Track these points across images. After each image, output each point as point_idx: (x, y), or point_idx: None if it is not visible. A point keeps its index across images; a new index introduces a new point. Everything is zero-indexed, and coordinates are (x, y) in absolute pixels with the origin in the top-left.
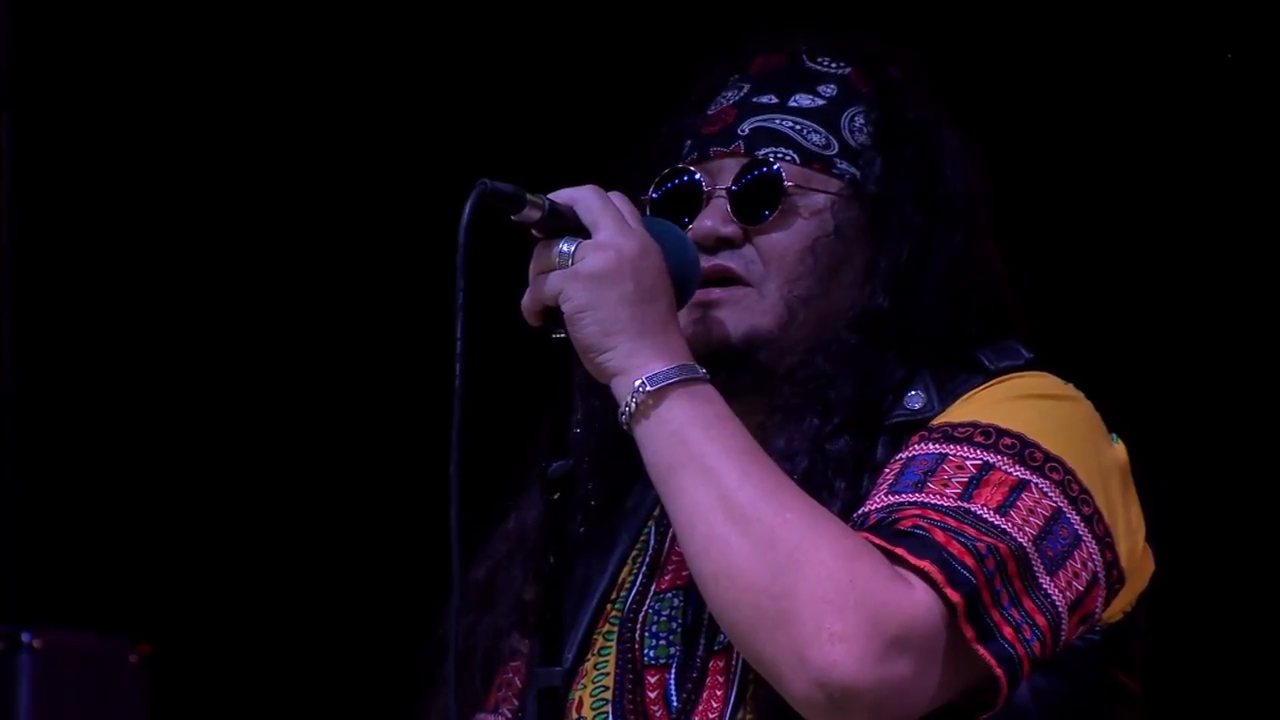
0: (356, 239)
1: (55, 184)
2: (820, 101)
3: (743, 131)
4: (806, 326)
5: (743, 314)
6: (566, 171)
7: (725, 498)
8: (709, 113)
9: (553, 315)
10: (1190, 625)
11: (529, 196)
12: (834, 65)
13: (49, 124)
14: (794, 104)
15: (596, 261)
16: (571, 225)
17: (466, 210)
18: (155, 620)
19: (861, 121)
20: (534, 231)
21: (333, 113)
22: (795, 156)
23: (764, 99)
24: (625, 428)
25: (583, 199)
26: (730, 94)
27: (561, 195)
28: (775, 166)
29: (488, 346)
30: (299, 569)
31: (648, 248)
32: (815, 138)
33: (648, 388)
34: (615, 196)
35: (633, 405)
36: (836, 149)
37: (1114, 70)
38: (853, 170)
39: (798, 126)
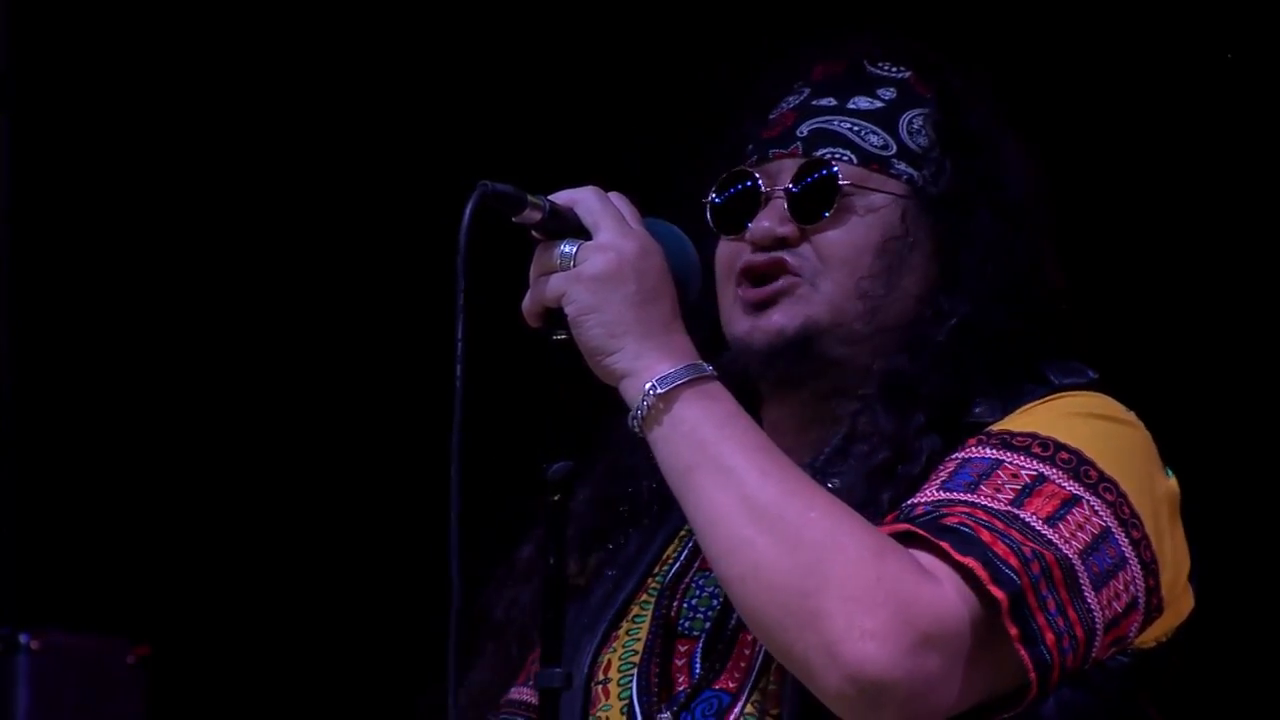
0: (357, 241)
1: (54, 185)
2: (879, 104)
3: (801, 133)
4: (868, 323)
5: (797, 304)
6: (568, 172)
7: (746, 498)
8: (770, 118)
9: (553, 317)
10: (1222, 663)
11: (529, 198)
12: (893, 69)
13: (48, 125)
14: (852, 106)
15: (598, 263)
16: (572, 227)
17: (467, 212)
18: (153, 622)
19: (920, 124)
20: (534, 233)
21: (333, 114)
22: (852, 157)
23: (823, 102)
24: (637, 431)
25: (583, 200)
26: (791, 99)
27: (562, 196)
28: (833, 167)
29: (488, 348)
30: (298, 569)
31: (648, 248)
32: (873, 139)
33: (658, 390)
34: (615, 197)
35: (644, 408)
36: (894, 150)
37: (1154, 89)
38: (911, 171)
39: (855, 128)
